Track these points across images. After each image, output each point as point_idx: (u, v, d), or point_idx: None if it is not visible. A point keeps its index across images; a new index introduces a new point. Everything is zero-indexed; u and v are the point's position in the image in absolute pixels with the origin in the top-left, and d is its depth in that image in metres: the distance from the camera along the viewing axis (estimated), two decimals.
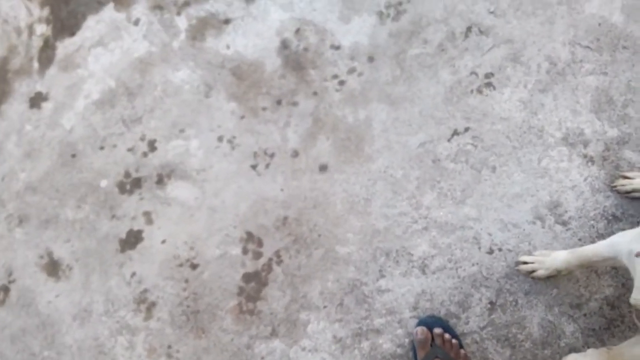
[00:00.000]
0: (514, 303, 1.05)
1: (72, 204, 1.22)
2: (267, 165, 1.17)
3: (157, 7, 1.32)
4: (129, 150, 1.23)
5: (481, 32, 1.15)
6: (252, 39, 1.26)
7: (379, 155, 1.15)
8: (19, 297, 1.17)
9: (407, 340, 1.05)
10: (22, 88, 1.34)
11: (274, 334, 1.07)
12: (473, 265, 1.07)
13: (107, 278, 1.15)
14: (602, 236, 1.06)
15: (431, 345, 1.02)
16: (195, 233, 1.15)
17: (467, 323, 1.04)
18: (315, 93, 1.21)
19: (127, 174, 1.21)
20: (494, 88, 1.13)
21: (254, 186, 1.16)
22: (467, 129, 1.13)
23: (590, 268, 1.01)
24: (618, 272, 1.04)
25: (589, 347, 0.95)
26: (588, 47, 1.12)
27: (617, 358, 0.89)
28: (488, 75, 1.14)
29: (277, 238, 1.13)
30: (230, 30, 1.28)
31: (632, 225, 1.07)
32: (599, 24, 1.12)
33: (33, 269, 1.19)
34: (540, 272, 1.03)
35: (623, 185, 1.05)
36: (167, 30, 1.29)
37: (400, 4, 1.21)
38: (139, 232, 1.17)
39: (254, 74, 1.24)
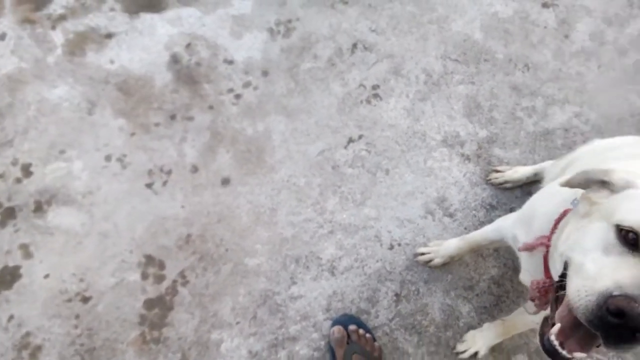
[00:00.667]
0: (416, 292, 1.49)
1: None
2: (165, 183, 1.48)
3: (27, 21, 1.59)
4: None
5: (365, 48, 1.66)
6: (139, 54, 1.59)
7: (281, 165, 1.54)
8: None
9: (322, 343, 1.41)
10: None
11: (184, 359, 1.34)
12: (377, 261, 1.50)
13: None
14: (483, 223, 1.57)
15: (348, 343, 1.38)
16: (84, 263, 1.39)
17: (377, 317, 1.44)
18: (211, 107, 1.57)
19: None
20: (381, 98, 1.63)
21: (151, 206, 1.45)
22: (360, 136, 1.60)
23: (478, 252, 1.50)
24: (500, 254, 1.55)
25: (483, 323, 1.41)
26: (457, 60, 1.69)
27: (511, 327, 1.37)
28: (374, 87, 1.64)
29: (181, 258, 1.43)
30: (114, 45, 1.60)
31: (507, 211, 1.61)
32: (464, 40, 1.71)
33: None
34: (437, 261, 1.49)
35: (496, 178, 1.59)
36: (40, 45, 1.56)
37: (289, 21, 1.67)
38: (16, 268, 1.36)
39: (143, 89, 1.56)
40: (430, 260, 1.49)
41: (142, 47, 1.61)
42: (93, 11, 1.66)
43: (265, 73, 1.63)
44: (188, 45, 1.64)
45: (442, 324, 1.46)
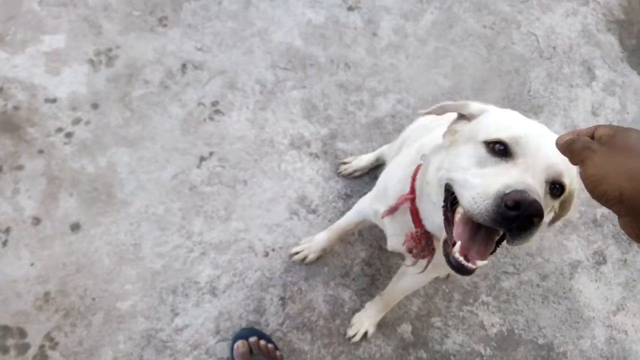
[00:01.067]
0: (299, 291, 1.80)
1: None
2: (5, 243, 1.57)
3: None
4: None
5: (195, 67, 1.96)
6: None
7: (133, 197, 1.74)
8: None
9: None
10: None
11: None
12: (256, 271, 1.78)
13: None
14: (343, 212, 1.96)
15: (251, 354, 1.62)
16: None
17: (267, 325, 1.72)
18: (41, 151, 1.70)
19: None
20: (223, 113, 1.94)
21: None
22: (211, 154, 1.88)
23: (346, 240, 1.88)
24: (364, 238, 1.96)
25: (365, 304, 1.77)
26: (285, 68, 2.09)
27: (390, 299, 1.75)
28: (214, 103, 1.95)
29: (43, 319, 1.53)
30: None
31: (361, 197, 2.02)
32: (287, 49, 2.13)
33: None
34: (311, 257, 1.83)
35: (345, 169, 2.00)
36: None
37: (109, 50, 1.90)
38: None
39: None
40: (305, 257, 1.83)
41: None
42: None
43: (95, 106, 1.82)
44: (0, 90, 1.74)
45: (329, 314, 1.80)
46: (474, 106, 0.99)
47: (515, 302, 1.98)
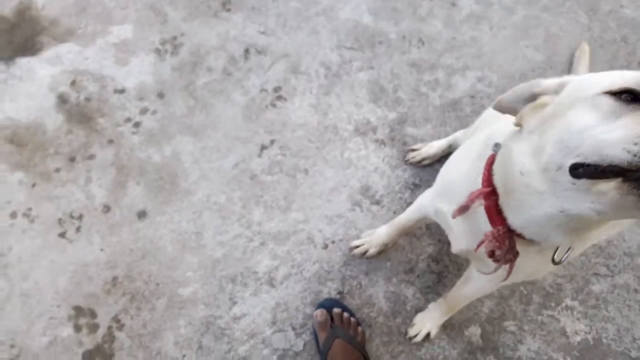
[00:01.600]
0: (358, 286, 1.86)
1: None
2: (78, 229, 1.78)
3: None
4: None
5: (258, 52, 2.03)
6: (23, 101, 1.89)
7: (196, 186, 1.88)
8: None
9: (275, 357, 1.74)
10: None
11: None
12: (314, 263, 1.86)
13: None
14: (410, 204, 1.98)
15: (331, 327, 1.73)
16: (12, 328, 1.66)
17: None
18: (111, 141, 1.89)
19: None
20: (285, 99, 2.01)
21: (69, 255, 1.75)
22: (272, 142, 1.97)
23: (411, 234, 1.90)
24: (432, 231, 1.97)
25: (430, 303, 1.79)
26: (352, 48, 2.10)
27: (453, 302, 1.76)
28: (276, 89, 2.02)
29: (111, 302, 1.73)
30: None
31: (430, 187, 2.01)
32: (355, 27, 2.13)
33: None
34: (372, 251, 1.87)
35: (413, 157, 2.01)
36: None
37: (174, 38, 2.02)
38: None
39: (35, 136, 1.86)
40: (366, 252, 1.88)
41: (25, 94, 1.90)
42: None
43: (161, 95, 1.97)
44: (73, 83, 1.95)
45: (389, 312, 1.85)
46: (550, 81, 0.85)
47: (605, 309, 1.89)
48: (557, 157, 0.74)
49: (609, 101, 0.72)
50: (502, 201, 0.91)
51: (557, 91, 0.82)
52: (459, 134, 1.97)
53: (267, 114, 2.05)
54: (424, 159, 2.03)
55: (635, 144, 0.64)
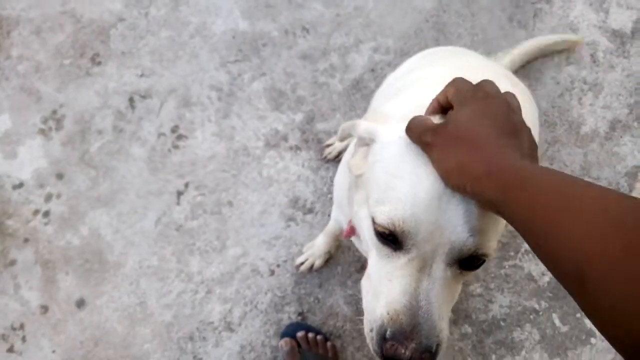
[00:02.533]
0: (316, 301, 1.93)
1: None
2: (24, 339, 1.83)
3: None
4: None
5: (143, 97, 2.03)
6: None
7: (125, 256, 1.92)
8: None
9: None
10: None
11: None
12: (266, 293, 1.92)
13: None
14: None
15: (299, 352, 1.80)
16: None
17: None
18: (26, 240, 1.92)
19: None
20: (187, 137, 2.02)
21: None
22: (187, 185, 1.99)
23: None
24: None
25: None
26: (237, 60, 2.10)
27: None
28: (174, 129, 2.03)
29: None
30: None
31: None
32: (233, 37, 2.12)
33: None
34: (318, 262, 1.92)
35: (330, 153, 2.02)
36: None
37: (54, 112, 2.02)
38: None
39: None
40: (312, 265, 1.92)
41: None
42: None
43: (60, 176, 1.98)
44: None
45: (354, 315, 1.91)
46: (362, 128, 0.79)
47: None
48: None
49: (374, 236, 0.75)
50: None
51: (368, 144, 0.79)
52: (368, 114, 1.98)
53: (173, 158, 2.06)
54: (341, 153, 2.04)
55: (370, 326, 0.74)
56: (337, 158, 2.03)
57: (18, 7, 2.15)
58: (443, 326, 0.71)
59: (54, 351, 1.86)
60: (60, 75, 2.09)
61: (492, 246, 0.71)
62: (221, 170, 2.03)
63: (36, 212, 1.98)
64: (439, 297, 0.70)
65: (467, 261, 0.71)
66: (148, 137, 2.05)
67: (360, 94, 2.09)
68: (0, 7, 2.16)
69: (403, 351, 0.67)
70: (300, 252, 1.98)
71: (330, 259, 1.96)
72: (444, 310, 0.72)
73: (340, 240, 1.88)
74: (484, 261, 0.73)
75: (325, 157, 2.04)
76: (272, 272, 1.96)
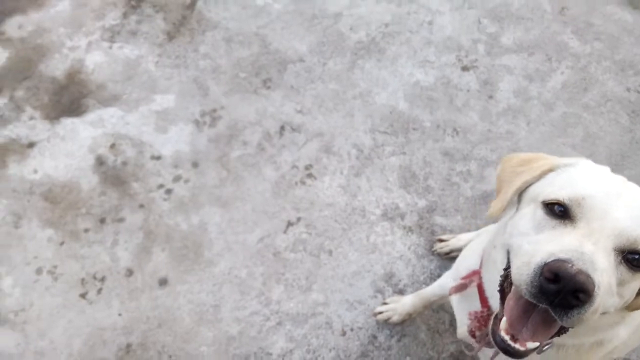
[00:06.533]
0: None
1: None
2: (99, 291, 1.91)
3: None
4: None
5: (293, 129, 2.21)
6: (62, 160, 2.08)
7: (220, 258, 2.01)
8: None
9: None
10: None
11: None
12: (330, 350, 1.95)
13: None
14: None
15: None
16: None
17: None
18: (141, 206, 2.05)
19: None
20: (315, 178, 2.16)
21: (87, 317, 1.88)
22: (299, 219, 2.10)
23: (434, 321, 1.97)
24: (454, 328, 2.03)
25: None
26: (385, 132, 2.27)
27: None
28: (307, 167, 2.17)
29: None
30: (36, 154, 2.08)
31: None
32: (390, 112, 2.30)
33: None
34: (395, 318, 1.96)
35: (441, 248, 2.10)
36: None
37: (214, 111, 2.22)
38: None
39: (69, 195, 2.03)
40: (389, 318, 1.95)
41: (65, 153, 2.10)
42: (12, 122, 2.15)
43: (195, 165, 2.14)
44: (112, 146, 2.14)
45: None
46: (546, 161, 1.01)
47: None
48: (505, 243, 0.95)
49: (541, 213, 0.89)
50: (483, 277, 1.07)
51: (546, 172, 0.98)
52: (490, 227, 2.06)
53: (296, 191, 2.20)
54: (452, 251, 2.10)
55: (519, 268, 0.83)
56: (447, 255, 2.09)
57: (222, 14, 2.45)
58: (601, 288, 0.77)
59: (120, 314, 1.93)
60: (232, 84, 2.32)
61: None
62: (334, 220, 2.14)
63: (161, 186, 2.13)
64: (603, 265, 0.79)
65: (630, 258, 0.82)
66: (283, 165, 2.20)
67: (485, 207, 2.19)
68: (207, 8, 2.46)
69: (569, 265, 0.75)
70: (377, 325, 2.00)
71: (403, 344, 1.97)
72: (605, 280, 0.79)
73: (428, 307, 1.89)
74: None
75: (435, 250, 2.11)
76: (344, 333, 1.98)
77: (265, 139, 2.23)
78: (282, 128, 2.26)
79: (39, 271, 1.95)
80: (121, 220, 2.05)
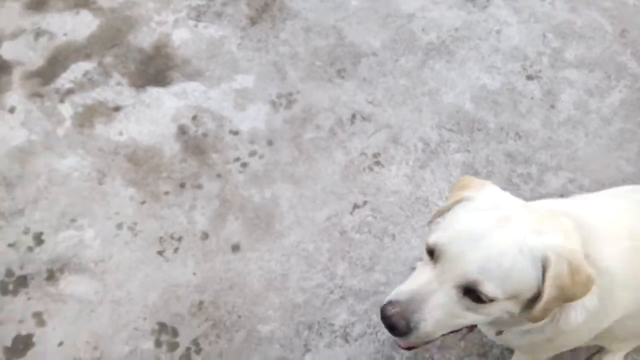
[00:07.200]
0: (430, 359, 2.01)
1: None
2: (176, 250, 2.01)
3: (36, 95, 2.19)
4: (10, 245, 1.93)
5: (364, 118, 2.32)
6: (147, 126, 2.19)
7: (289, 231, 2.11)
8: None
9: None
10: None
11: None
12: None
13: None
14: None
15: None
16: (98, 331, 1.86)
17: None
18: (219, 175, 2.16)
19: (10, 272, 1.89)
20: (383, 166, 2.27)
21: (163, 273, 1.97)
22: (365, 203, 2.20)
23: None
24: None
25: None
26: (451, 130, 2.38)
27: None
28: (375, 155, 2.28)
29: (194, 325, 1.92)
30: (122, 118, 2.20)
31: None
32: (457, 111, 2.41)
33: None
34: None
35: None
36: (49, 118, 2.14)
37: (290, 94, 2.34)
38: (29, 336, 1.82)
39: (152, 159, 2.14)
40: None
41: (149, 119, 2.22)
42: (100, 85, 2.27)
43: (270, 142, 2.25)
44: (194, 117, 2.26)
45: None
46: (461, 193, 1.19)
47: None
48: None
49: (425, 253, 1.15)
50: None
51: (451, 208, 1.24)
52: None
53: (364, 176, 2.30)
54: None
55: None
56: None
57: (302, 4, 2.59)
58: (428, 322, 1.05)
59: (194, 273, 2.02)
60: (308, 70, 2.44)
61: (494, 292, 1.01)
62: (398, 206, 2.24)
63: (237, 159, 2.24)
64: (438, 301, 1.04)
65: (475, 294, 1.03)
66: (352, 151, 2.31)
67: None
68: None
69: (391, 308, 1.09)
70: None
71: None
72: (436, 315, 1.05)
73: None
74: (490, 300, 1.03)
75: None
76: None
77: (337, 124, 2.34)
78: (354, 116, 2.37)
79: (119, 226, 2.04)
80: (199, 187, 2.15)
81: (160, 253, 2.02)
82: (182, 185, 2.14)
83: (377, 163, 2.30)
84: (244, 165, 2.21)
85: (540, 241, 1.04)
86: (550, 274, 1.02)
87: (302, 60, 2.46)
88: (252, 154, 2.24)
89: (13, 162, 2.11)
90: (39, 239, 1.99)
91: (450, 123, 2.42)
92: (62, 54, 2.37)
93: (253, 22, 2.54)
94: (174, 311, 1.95)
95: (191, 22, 2.51)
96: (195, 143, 2.22)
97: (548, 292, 1.02)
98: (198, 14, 2.53)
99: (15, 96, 2.25)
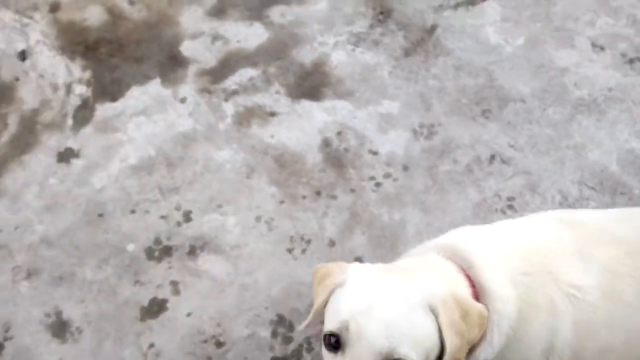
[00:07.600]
0: None
1: (93, 264, 2.05)
2: (304, 251, 2.14)
3: (205, 91, 2.43)
4: (162, 217, 2.15)
5: (503, 161, 2.36)
6: (296, 133, 2.37)
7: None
8: (13, 357, 1.87)
9: None
10: (51, 141, 2.27)
11: None
12: None
13: (122, 346, 1.92)
14: None
15: None
16: (223, 309, 2.01)
17: None
18: (353, 190, 2.28)
19: (158, 241, 2.10)
20: (516, 211, 2.28)
21: (289, 269, 2.10)
22: None
23: None
24: None
25: None
26: (593, 188, 2.35)
27: None
28: (510, 199, 2.30)
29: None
30: (276, 122, 2.39)
31: None
32: (601, 170, 2.38)
33: (36, 327, 1.93)
34: None
35: None
36: (213, 113, 2.37)
37: (432, 125, 2.42)
38: (164, 301, 2.00)
39: (296, 164, 2.30)
40: None
41: (299, 128, 2.39)
42: (261, 91, 2.49)
43: (405, 168, 2.34)
44: (339, 133, 2.40)
45: None
46: (331, 279, 1.15)
47: None
48: None
49: (323, 346, 1.09)
50: None
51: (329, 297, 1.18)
52: None
53: (495, 217, 2.30)
54: None
55: None
56: None
57: (457, 44, 2.70)
58: None
59: None
60: (453, 106, 2.52)
61: (410, 354, 0.96)
62: None
63: (372, 178, 2.35)
64: None
65: None
66: (486, 190, 2.34)
67: None
68: (444, 36, 2.72)
69: None
70: None
71: None
72: None
73: None
74: None
75: None
76: None
77: (475, 162, 2.39)
78: (493, 157, 2.41)
79: (258, 219, 2.21)
80: (334, 197, 2.28)
81: (289, 250, 2.16)
82: (318, 193, 2.28)
83: (511, 207, 2.32)
84: (378, 184, 2.32)
85: (420, 293, 1.03)
86: (443, 320, 1.00)
87: (448, 95, 2.54)
88: (387, 175, 2.34)
89: (177, 146, 2.36)
90: (187, 217, 2.20)
91: (592, 181, 2.39)
92: (233, 59, 2.63)
93: (407, 53, 2.67)
94: (293, 306, 2.06)
95: (349, 47, 2.69)
96: (336, 156, 2.36)
97: (450, 342, 0.99)
98: (357, 40, 2.70)
99: (187, 89, 2.52)
